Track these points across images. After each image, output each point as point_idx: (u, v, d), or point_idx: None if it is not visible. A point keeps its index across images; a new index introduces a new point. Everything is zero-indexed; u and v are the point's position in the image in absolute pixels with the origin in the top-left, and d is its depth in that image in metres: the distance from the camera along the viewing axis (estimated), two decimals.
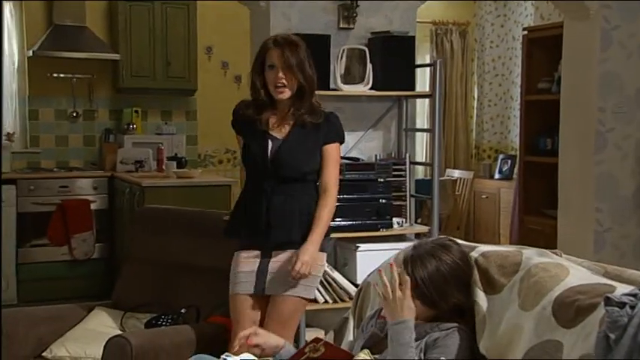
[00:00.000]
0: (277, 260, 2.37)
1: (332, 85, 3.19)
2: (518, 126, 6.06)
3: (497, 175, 5.98)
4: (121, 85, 5.18)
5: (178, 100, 5.55)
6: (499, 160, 6.03)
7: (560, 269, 1.69)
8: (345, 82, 3.21)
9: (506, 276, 1.78)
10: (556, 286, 1.64)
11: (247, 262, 2.38)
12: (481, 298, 1.80)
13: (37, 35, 5.00)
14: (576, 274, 1.67)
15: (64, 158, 5.25)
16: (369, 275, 2.22)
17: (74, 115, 5.25)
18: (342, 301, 3.15)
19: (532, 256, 1.78)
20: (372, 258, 2.87)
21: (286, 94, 2.29)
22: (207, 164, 5.71)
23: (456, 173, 5.91)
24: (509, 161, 5.95)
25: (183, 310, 2.60)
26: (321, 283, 3.16)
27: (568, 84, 3.91)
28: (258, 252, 2.38)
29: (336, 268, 3.24)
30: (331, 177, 2.38)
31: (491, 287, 1.80)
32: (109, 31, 5.26)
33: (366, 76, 3.19)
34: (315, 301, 3.15)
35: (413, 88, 3.40)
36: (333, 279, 3.17)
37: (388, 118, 3.46)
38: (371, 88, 3.22)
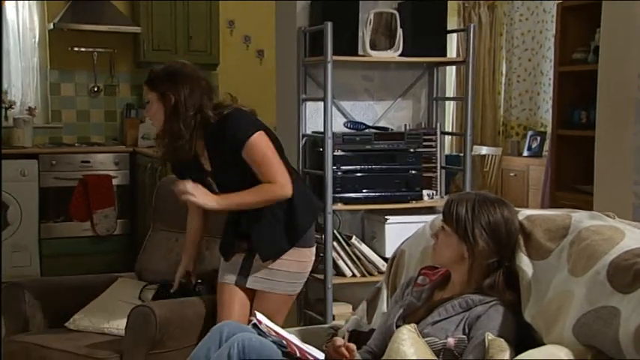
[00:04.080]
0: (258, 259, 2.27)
1: (360, 52, 3.07)
2: (549, 101, 5.91)
3: (525, 153, 5.82)
4: (142, 59, 5.10)
5: None
6: (528, 137, 5.87)
7: (615, 232, 1.58)
8: (374, 49, 3.08)
9: (553, 240, 1.67)
10: (611, 250, 1.52)
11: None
12: (525, 263, 1.69)
13: (58, 8, 4.94)
14: (633, 236, 1.55)
15: (85, 134, 5.21)
16: (402, 243, 2.11)
17: (95, 89, 5.20)
18: (371, 275, 3.06)
19: (582, 219, 1.66)
20: (402, 231, 2.76)
21: (156, 126, 2.20)
22: None
23: (484, 150, 5.76)
24: (539, 138, 5.79)
25: (199, 281, 2.52)
26: (349, 256, 3.07)
27: (607, 52, 3.73)
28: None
29: (364, 241, 3.14)
30: (266, 177, 2.13)
31: (537, 252, 1.69)
32: (130, 5, 5.18)
33: (396, 41, 3.06)
34: (342, 274, 3.06)
35: (444, 55, 3.26)
36: (362, 252, 3.07)
37: (418, 87, 3.32)
38: (400, 55, 3.09)
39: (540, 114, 6.09)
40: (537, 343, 1.59)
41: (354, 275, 3.06)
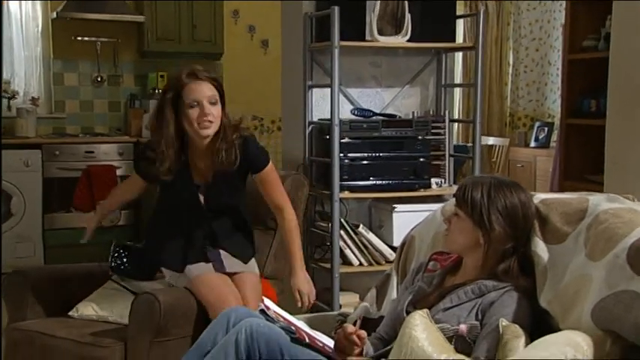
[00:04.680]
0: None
1: (367, 37, 3.02)
2: (556, 91, 5.84)
3: (532, 144, 5.76)
4: (146, 49, 5.06)
5: (204, 65, 5.29)
6: (535, 128, 5.81)
7: (635, 214, 1.53)
8: (381, 34, 3.03)
9: (570, 224, 1.62)
10: (631, 232, 1.47)
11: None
12: (541, 248, 1.64)
13: None
14: None
15: (89, 124, 5.17)
16: (413, 229, 2.07)
17: (99, 79, 5.15)
18: (378, 264, 3.02)
19: (600, 202, 1.61)
20: (410, 219, 2.70)
21: (212, 129, 2.15)
22: None
23: (491, 140, 5.71)
24: (546, 129, 5.73)
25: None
26: (356, 245, 3.03)
27: (618, 39, 3.66)
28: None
29: (371, 229, 3.10)
30: (279, 196, 2.29)
31: (553, 236, 1.64)
32: None
33: (405, 26, 3.00)
34: (349, 263, 3.02)
35: (453, 40, 3.20)
36: (369, 241, 3.03)
37: (426, 74, 3.27)
38: (409, 40, 3.04)
39: (548, 104, 6.03)
40: (553, 329, 1.54)
41: (361, 264, 3.02)
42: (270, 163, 2.28)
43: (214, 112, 2.14)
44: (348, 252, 3.00)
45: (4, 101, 4.78)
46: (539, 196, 1.73)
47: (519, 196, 1.66)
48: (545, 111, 6.08)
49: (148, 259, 2.39)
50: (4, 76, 4.81)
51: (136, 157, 2.39)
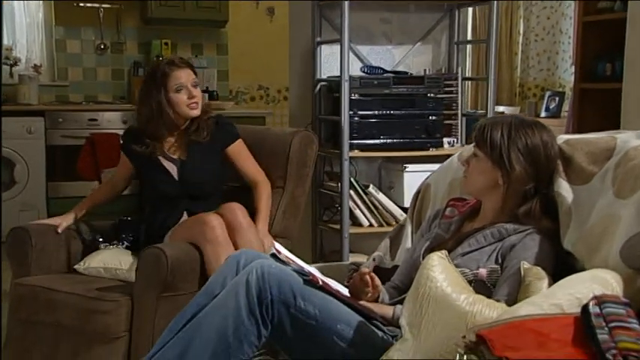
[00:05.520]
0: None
1: None
2: (568, 60, 5.72)
3: (543, 114, 5.65)
4: (149, 15, 4.95)
5: (209, 33, 5.32)
6: (546, 97, 5.70)
7: None
8: None
9: (596, 163, 1.54)
10: None
11: None
12: (565, 189, 1.57)
13: None
14: None
15: (92, 92, 5.09)
16: (427, 177, 2.00)
17: (102, 47, 5.06)
18: (388, 225, 2.95)
19: (629, 139, 1.53)
20: (420, 179, 2.60)
21: (198, 110, 2.33)
22: (240, 101, 5.50)
23: (501, 108, 5.61)
24: (557, 98, 5.62)
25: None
26: (366, 205, 2.96)
27: None
28: None
29: (381, 190, 3.03)
30: (252, 170, 2.39)
31: (578, 177, 1.56)
32: None
33: None
34: (359, 224, 2.95)
35: None
36: (379, 201, 2.96)
37: (438, 31, 3.18)
38: None
39: (559, 74, 5.92)
40: (577, 273, 1.47)
41: (371, 225, 2.95)
42: (241, 139, 2.41)
43: (197, 94, 2.33)
44: (357, 212, 2.94)
45: (6, 68, 4.71)
46: (562, 137, 1.66)
47: (541, 134, 1.58)
48: (556, 80, 5.97)
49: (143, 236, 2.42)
50: (5, 42, 4.73)
51: (123, 138, 2.41)
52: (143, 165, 2.40)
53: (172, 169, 2.36)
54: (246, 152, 2.42)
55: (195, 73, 2.36)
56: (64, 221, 2.41)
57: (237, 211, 2.20)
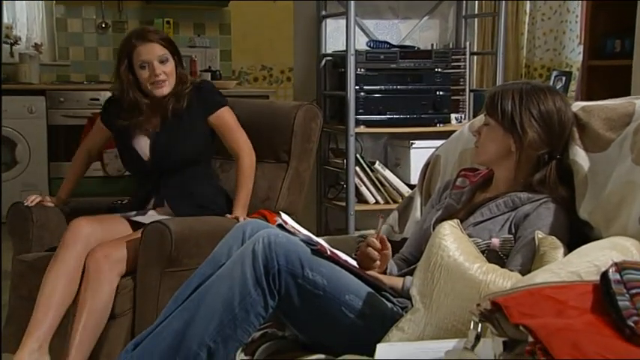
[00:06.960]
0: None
1: None
2: (575, 39, 5.64)
3: None
4: None
5: (211, 12, 5.24)
6: (552, 77, 5.63)
7: None
8: None
9: (614, 130, 1.49)
10: None
11: None
12: (581, 156, 1.52)
13: None
14: None
15: (93, 72, 5.03)
16: (437, 148, 1.95)
17: (103, 26, 5.00)
18: (395, 202, 2.91)
19: None
20: (428, 156, 2.60)
21: (167, 88, 2.17)
22: (242, 81, 5.44)
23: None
24: (564, 78, 5.55)
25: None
26: (372, 182, 2.92)
27: None
28: None
29: (387, 166, 2.98)
30: (236, 141, 2.25)
31: (595, 144, 1.51)
32: None
33: None
34: (365, 201, 2.91)
35: None
36: (385, 178, 2.92)
37: (446, 5, 3.11)
38: None
39: (565, 53, 5.84)
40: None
41: (377, 202, 2.91)
42: (228, 108, 2.25)
43: (166, 69, 2.15)
44: (363, 189, 2.89)
45: (7, 47, 4.65)
46: (577, 104, 1.61)
47: (554, 99, 1.53)
48: (562, 60, 5.90)
49: None
50: (6, 20, 4.66)
51: (103, 106, 2.35)
52: (118, 137, 2.30)
53: (146, 142, 2.24)
54: (232, 122, 2.26)
55: (167, 47, 2.16)
56: (48, 202, 2.35)
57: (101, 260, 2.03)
